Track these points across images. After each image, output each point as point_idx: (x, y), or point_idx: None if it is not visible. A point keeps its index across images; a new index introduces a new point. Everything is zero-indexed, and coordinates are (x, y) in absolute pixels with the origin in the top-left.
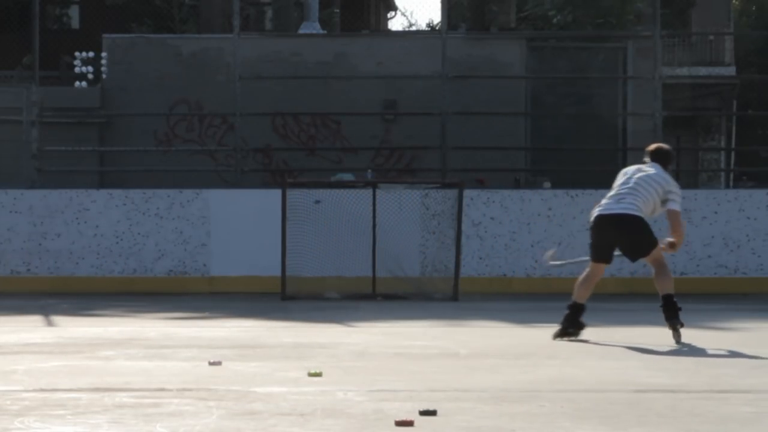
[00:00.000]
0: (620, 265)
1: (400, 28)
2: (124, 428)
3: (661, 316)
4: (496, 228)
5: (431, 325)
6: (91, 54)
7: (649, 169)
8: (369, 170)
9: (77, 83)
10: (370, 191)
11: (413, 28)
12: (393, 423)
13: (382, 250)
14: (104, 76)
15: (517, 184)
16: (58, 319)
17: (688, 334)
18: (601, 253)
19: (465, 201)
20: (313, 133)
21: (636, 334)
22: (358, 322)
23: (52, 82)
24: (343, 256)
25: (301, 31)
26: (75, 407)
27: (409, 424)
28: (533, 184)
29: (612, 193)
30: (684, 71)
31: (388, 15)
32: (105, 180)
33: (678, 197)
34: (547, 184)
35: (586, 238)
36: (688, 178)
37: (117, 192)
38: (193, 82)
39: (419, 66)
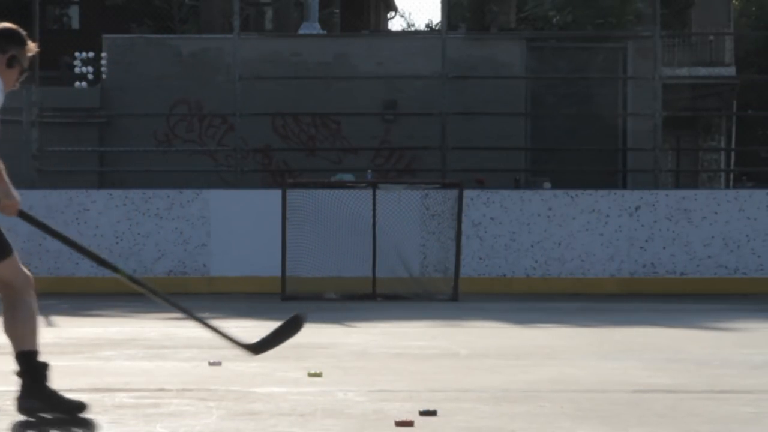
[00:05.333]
0: (620, 265)
1: (398, 30)
2: (124, 428)
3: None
4: (496, 228)
5: (431, 325)
6: (91, 54)
7: None
8: (369, 170)
9: (77, 83)
10: (370, 191)
11: (412, 30)
12: (393, 423)
13: (382, 250)
14: (104, 76)
15: (517, 185)
16: (57, 319)
17: (689, 334)
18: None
19: (465, 201)
20: (313, 133)
21: (636, 334)
22: (358, 322)
23: (52, 83)
24: (343, 256)
25: (301, 32)
26: None
27: (409, 424)
28: (533, 185)
29: None
30: (684, 71)
31: (388, 15)
32: (105, 180)
33: None
34: (547, 185)
35: (586, 239)
36: (688, 179)
37: (117, 192)
38: (193, 82)
39: (419, 66)
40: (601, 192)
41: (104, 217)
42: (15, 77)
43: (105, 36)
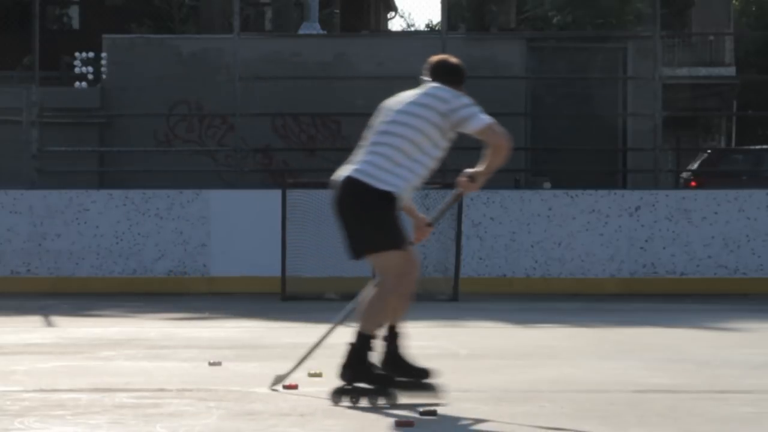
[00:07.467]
0: (620, 265)
1: (398, 30)
2: (124, 428)
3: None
4: (496, 228)
5: (431, 325)
6: (91, 54)
7: (417, 91)
8: None
9: (77, 83)
10: None
11: (412, 30)
12: (393, 423)
13: None
14: (104, 76)
15: (517, 185)
16: (57, 319)
17: (689, 334)
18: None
19: (465, 201)
20: (313, 133)
21: (636, 334)
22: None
23: (52, 83)
24: (343, 256)
25: (301, 32)
26: (75, 407)
27: (409, 424)
28: (533, 185)
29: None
30: (684, 71)
31: (388, 15)
32: (105, 180)
33: (476, 108)
34: (547, 185)
35: (586, 239)
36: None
37: (117, 192)
38: (193, 82)
39: (419, 66)
40: (601, 192)
41: (104, 217)
42: None
43: (105, 36)
